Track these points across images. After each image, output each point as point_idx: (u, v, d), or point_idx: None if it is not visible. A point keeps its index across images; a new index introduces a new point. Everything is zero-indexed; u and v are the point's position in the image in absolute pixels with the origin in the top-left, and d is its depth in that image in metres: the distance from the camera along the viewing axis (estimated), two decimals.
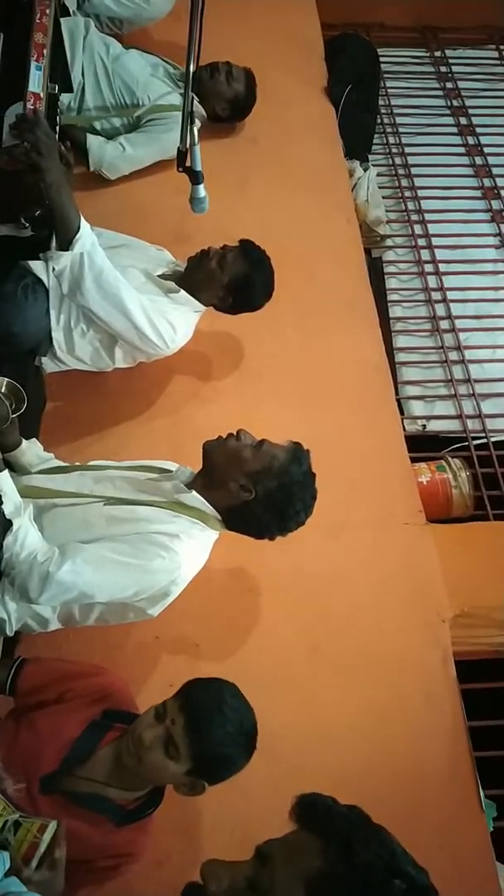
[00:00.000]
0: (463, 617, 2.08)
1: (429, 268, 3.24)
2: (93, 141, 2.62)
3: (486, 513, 2.49)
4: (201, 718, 1.26)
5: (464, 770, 1.88)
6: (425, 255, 3.29)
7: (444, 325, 3.04)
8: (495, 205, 3.52)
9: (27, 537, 1.45)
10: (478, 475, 2.56)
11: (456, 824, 1.79)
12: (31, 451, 1.74)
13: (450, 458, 2.54)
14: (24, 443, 1.72)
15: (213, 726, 1.26)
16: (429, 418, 2.79)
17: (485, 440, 2.70)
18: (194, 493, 1.57)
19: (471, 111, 3.91)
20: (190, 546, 1.52)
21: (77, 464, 1.75)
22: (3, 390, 1.63)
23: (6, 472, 1.52)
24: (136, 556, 1.46)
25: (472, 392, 2.84)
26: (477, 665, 2.14)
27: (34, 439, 1.80)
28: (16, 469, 1.69)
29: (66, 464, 1.76)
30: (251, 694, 1.39)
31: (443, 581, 2.11)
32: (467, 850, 1.77)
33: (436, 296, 3.14)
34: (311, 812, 0.79)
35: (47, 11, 1.98)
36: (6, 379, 1.63)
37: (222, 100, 2.84)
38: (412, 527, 2.22)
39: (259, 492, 1.54)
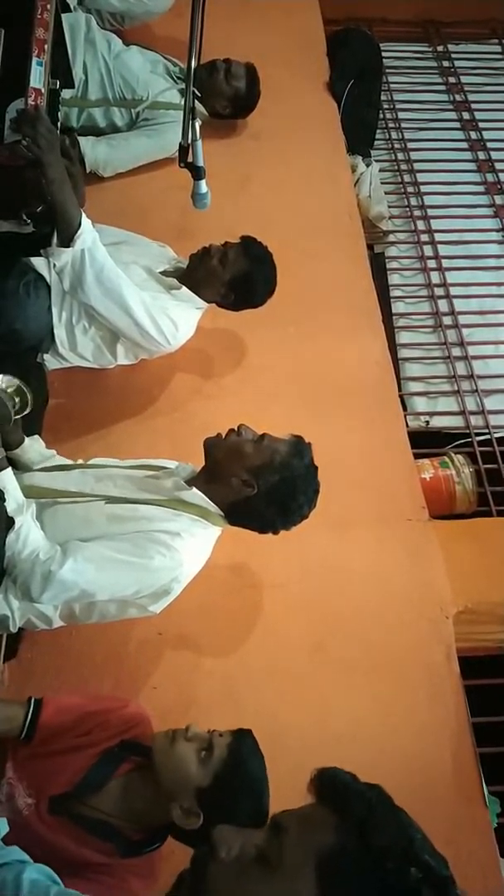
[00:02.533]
0: (466, 613, 2.08)
1: (432, 263, 3.23)
2: (84, 142, 2.62)
3: (489, 509, 2.49)
4: (247, 751, 1.29)
5: (467, 766, 1.88)
6: (428, 250, 3.28)
7: (447, 321, 3.03)
8: (498, 200, 3.50)
9: (30, 535, 1.45)
10: (481, 471, 2.55)
11: (459, 820, 1.80)
12: (33, 448, 1.74)
13: (453, 455, 2.53)
14: (27, 440, 1.72)
15: (251, 765, 1.28)
16: (432, 414, 2.78)
17: (488, 436, 2.69)
18: (195, 489, 1.57)
19: (473, 106, 3.89)
20: (191, 544, 1.52)
21: (79, 462, 1.75)
22: (10, 391, 1.62)
23: (9, 469, 1.52)
24: (137, 554, 1.46)
25: (475, 388, 2.83)
26: (481, 661, 2.14)
27: (36, 436, 1.80)
28: (18, 466, 1.69)
29: (68, 462, 1.76)
30: (254, 691, 1.39)
31: (446, 577, 2.11)
32: (471, 846, 1.77)
33: (439, 291, 3.13)
34: (330, 787, 0.76)
35: (48, 7, 1.98)
36: (16, 380, 1.63)
37: (222, 98, 2.83)
38: (415, 523, 2.22)
39: (261, 486, 1.54)
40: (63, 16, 2.15)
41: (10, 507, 1.47)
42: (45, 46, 1.93)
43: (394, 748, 1.82)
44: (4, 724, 1.40)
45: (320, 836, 0.72)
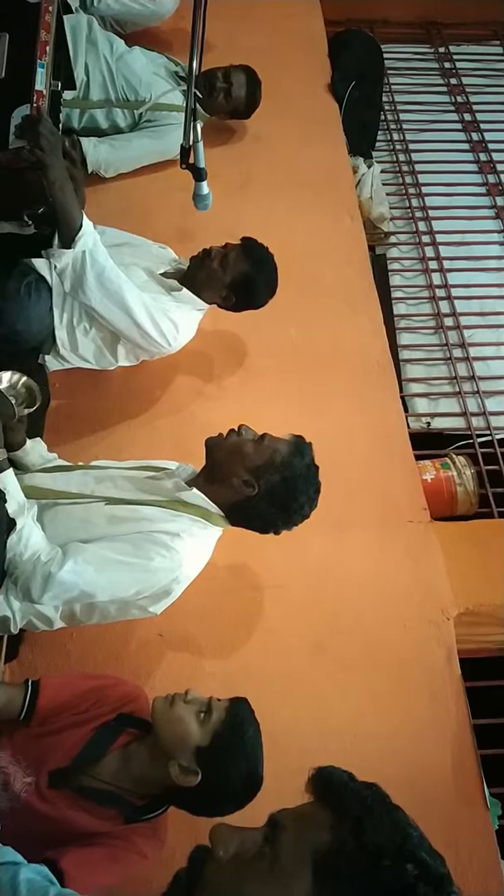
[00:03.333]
0: (467, 615, 2.08)
1: (433, 265, 3.23)
2: (86, 143, 2.62)
3: (490, 510, 2.49)
4: (244, 715, 1.33)
5: (468, 768, 1.87)
6: (429, 251, 3.28)
7: (448, 322, 3.03)
8: (500, 201, 3.50)
9: (31, 537, 1.45)
10: (482, 472, 2.55)
11: (460, 822, 1.80)
12: (35, 450, 1.74)
13: (454, 456, 2.53)
14: (29, 442, 1.72)
15: (248, 728, 1.32)
16: (433, 416, 2.78)
17: (489, 437, 2.69)
18: (195, 490, 1.57)
19: (475, 107, 3.90)
20: (191, 544, 1.52)
21: (79, 464, 1.75)
22: (19, 387, 1.63)
23: (10, 470, 1.52)
24: (137, 555, 1.46)
25: (476, 389, 2.83)
26: (482, 663, 2.14)
27: (38, 438, 1.80)
28: (19, 468, 1.69)
29: (69, 464, 1.76)
30: (255, 692, 1.39)
31: (447, 579, 2.11)
32: (472, 848, 1.77)
33: (440, 293, 3.13)
34: (326, 785, 0.76)
35: (50, 9, 1.99)
36: (24, 375, 1.63)
37: (223, 113, 2.86)
38: (416, 524, 2.22)
39: (262, 486, 1.54)
40: (65, 17, 2.15)
41: (12, 508, 1.47)
42: (47, 48, 1.94)
43: (394, 749, 1.82)
44: (3, 706, 1.42)
45: (317, 835, 0.72)
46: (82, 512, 1.56)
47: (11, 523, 1.45)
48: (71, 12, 2.71)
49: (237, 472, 1.55)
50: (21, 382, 1.63)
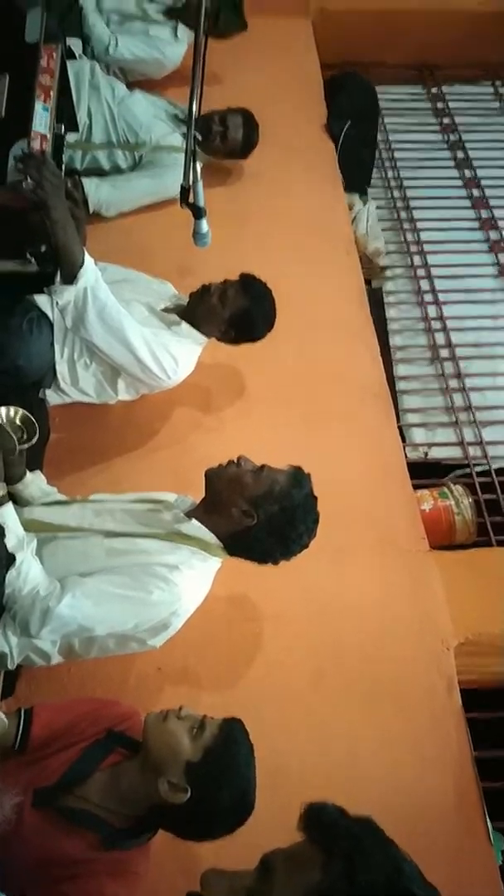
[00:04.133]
0: (467, 645, 2.07)
1: (428, 297, 3.29)
2: (88, 183, 2.69)
3: (489, 539, 2.49)
4: (238, 734, 1.30)
5: (470, 801, 1.85)
6: (424, 285, 3.34)
7: (444, 353, 3.08)
8: (493, 235, 3.58)
9: (30, 571, 1.46)
10: (480, 501, 2.56)
11: (463, 856, 1.77)
12: (34, 483, 1.75)
13: (452, 485, 2.55)
14: (28, 475, 1.74)
15: (241, 748, 1.29)
16: (430, 445, 2.80)
17: (487, 467, 2.71)
18: (194, 521, 1.58)
19: (467, 145, 4.00)
20: (190, 577, 1.52)
21: (78, 497, 1.77)
22: (17, 421, 1.65)
23: (10, 504, 1.53)
24: (136, 588, 1.46)
25: (473, 419, 2.86)
26: (483, 694, 2.12)
27: (38, 471, 1.82)
28: (19, 501, 1.70)
29: (68, 498, 1.77)
30: (255, 724, 1.38)
31: (446, 608, 2.11)
32: (474, 882, 1.74)
33: (435, 325, 3.19)
34: (317, 823, 0.76)
35: (54, 55, 2.07)
36: (21, 409, 1.66)
37: (220, 154, 2.94)
38: (415, 553, 2.23)
39: (261, 516, 1.55)
40: (68, 63, 2.24)
41: (11, 542, 1.47)
42: (51, 93, 2.02)
43: (394, 781, 1.80)
44: None
45: (308, 875, 0.72)
46: (81, 545, 1.57)
47: (11, 558, 1.46)
48: (74, 58, 2.82)
49: (236, 502, 1.57)
50: (19, 416, 1.65)
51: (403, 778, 1.82)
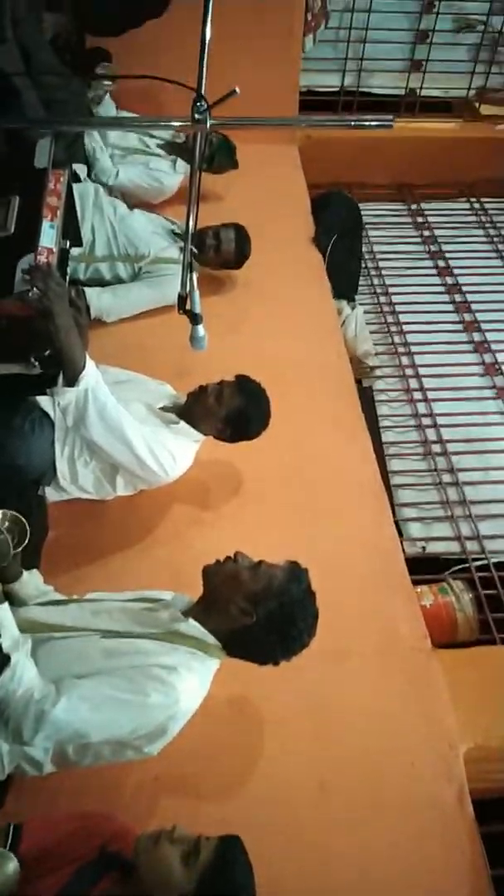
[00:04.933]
0: (477, 750, 1.99)
1: (417, 395, 3.39)
2: (90, 292, 2.84)
3: (492, 637, 2.45)
4: (234, 856, 1.24)
5: None
6: (413, 383, 3.46)
7: (435, 448, 3.14)
8: (476, 336, 3.74)
9: (24, 674, 1.42)
10: (481, 597, 2.54)
11: None
12: (31, 582, 1.74)
13: (451, 581, 2.52)
14: (25, 574, 1.72)
15: (238, 872, 1.23)
16: (428, 540, 2.80)
17: (485, 561, 2.70)
18: (191, 620, 1.56)
19: (448, 255, 4.26)
20: (188, 679, 1.48)
21: (74, 597, 1.75)
22: (6, 524, 1.64)
23: (5, 604, 1.51)
24: (133, 690, 1.42)
25: (468, 513, 2.88)
26: (498, 804, 2.01)
27: (35, 570, 1.80)
28: (14, 601, 1.68)
29: (64, 597, 1.75)
30: (256, 839, 1.31)
31: (452, 710, 2.04)
32: None
33: (426, 421, 3.27)
34: None
35: (61, 179, 2.25)
36: (9, 511, 1.65)
37: (215, 265, 3.12)
38: (418, 652, 2.17)
39: (260, 614, 1.53)
40: (74, 185, 2.42)
41: (6, 643, 1.44)
42: (58, 212, 2.17)
43: None
44: None
45: None
46: (77, 645, 1.54)
47: (6, 659, 1.43)
48: (80, 181, 3.04)
49: (234, 599, 1.55)
50: (8, 518, 1.63)
51: None
